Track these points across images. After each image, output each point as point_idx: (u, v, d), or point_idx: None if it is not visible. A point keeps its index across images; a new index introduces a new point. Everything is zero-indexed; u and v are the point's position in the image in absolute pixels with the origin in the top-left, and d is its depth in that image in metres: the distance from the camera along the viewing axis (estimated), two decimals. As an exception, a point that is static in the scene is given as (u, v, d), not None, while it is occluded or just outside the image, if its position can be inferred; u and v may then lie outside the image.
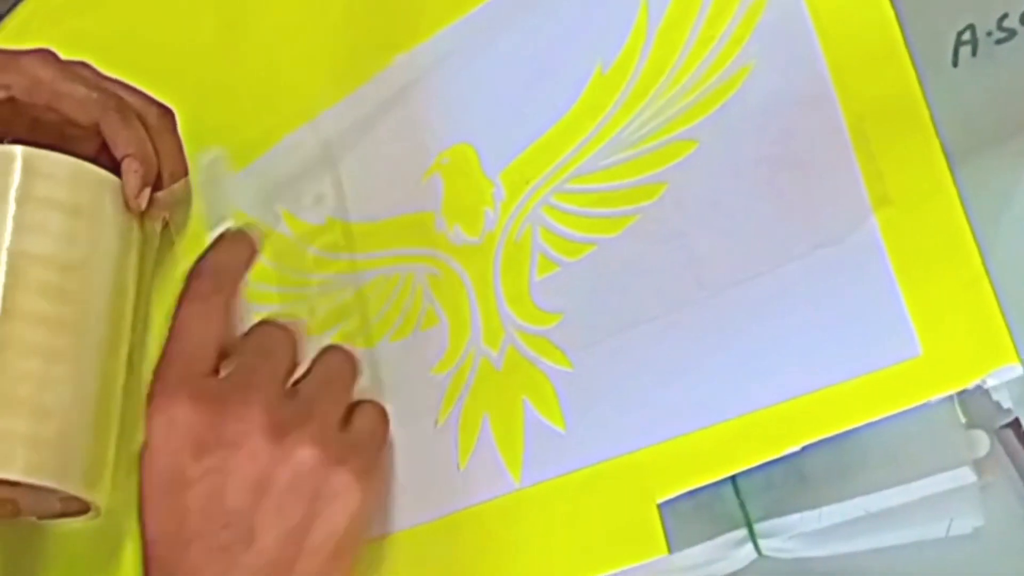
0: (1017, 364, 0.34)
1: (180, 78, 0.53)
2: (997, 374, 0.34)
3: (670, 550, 0.39)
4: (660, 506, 0.39)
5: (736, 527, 0.41)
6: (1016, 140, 0.36)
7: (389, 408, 0.46)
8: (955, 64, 0.37)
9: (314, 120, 0.50)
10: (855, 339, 0.36)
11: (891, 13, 0.37)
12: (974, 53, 0.37)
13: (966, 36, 0.37)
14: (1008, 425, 0.38)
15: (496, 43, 0.46)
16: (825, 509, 0.39)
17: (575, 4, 0.44)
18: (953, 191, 0.35)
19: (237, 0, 0.55)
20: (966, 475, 0.37)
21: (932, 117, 0.36)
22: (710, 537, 0.41)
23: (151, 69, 0.53)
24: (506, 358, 0.44)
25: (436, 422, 0.45)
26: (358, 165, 0.49)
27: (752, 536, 0.41)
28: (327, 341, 0.48)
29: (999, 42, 0.37)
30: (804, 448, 0.37)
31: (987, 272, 0.35)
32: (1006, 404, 0.37)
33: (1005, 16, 0.38)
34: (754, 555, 0.41)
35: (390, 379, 0.47)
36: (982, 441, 0.37)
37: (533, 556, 0.42)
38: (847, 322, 0.37)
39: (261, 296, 0.51)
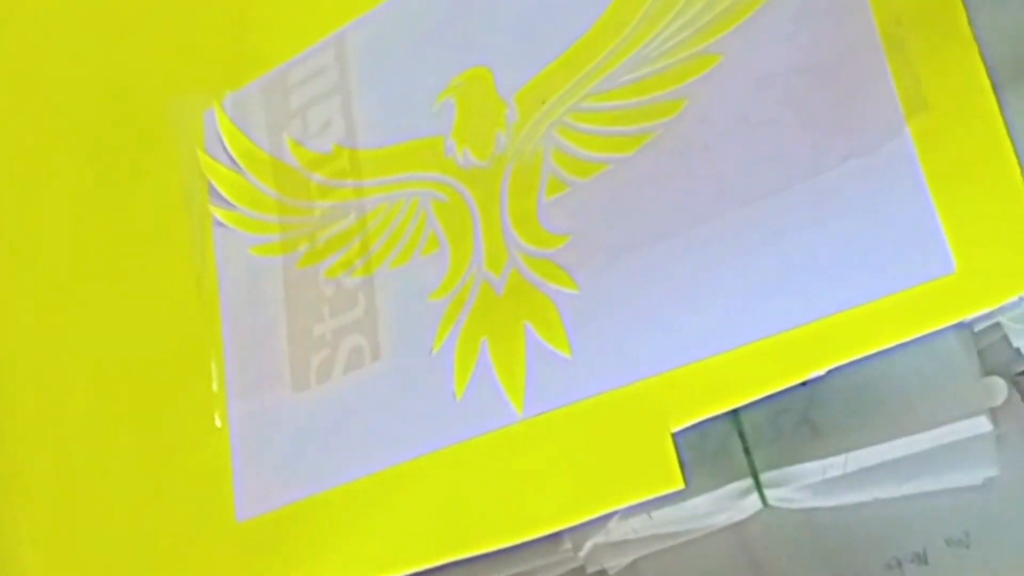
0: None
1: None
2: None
3: (686, 482, 0.34)
4: (675, 436, 0.34)
5: (741, 477, 0.36)
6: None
7: (382, 336, 0.41)
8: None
9: (339, 31, 0.46)
10: (886, 255, 0.32)
11: None
12: None
13: None
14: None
15: None
16: (834, 459, 0.35)
17: None
18: (993, 100, 0.31)
19: None
20: (982, 424, 0.32)
21: (972, 25, 0.32)
22: (714, 488, 0.36)
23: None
24: (508, 282, 0.39)
25: (431, 350, 0.40)
26: (371, 89, 0.44)
27: (758, 486, 0.36)
28: (325, 268, 0.44)
29: None
30: (828, 372, 0.32)
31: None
32: None
33: None
34: (759, 505, 0.36)
35: (386, 306, 0.42)
36: (1000, 388, 0.33)
37: (538, 491, 0.37)
38: (878, 237, 0.32)
39: (261, 226, 0.46)
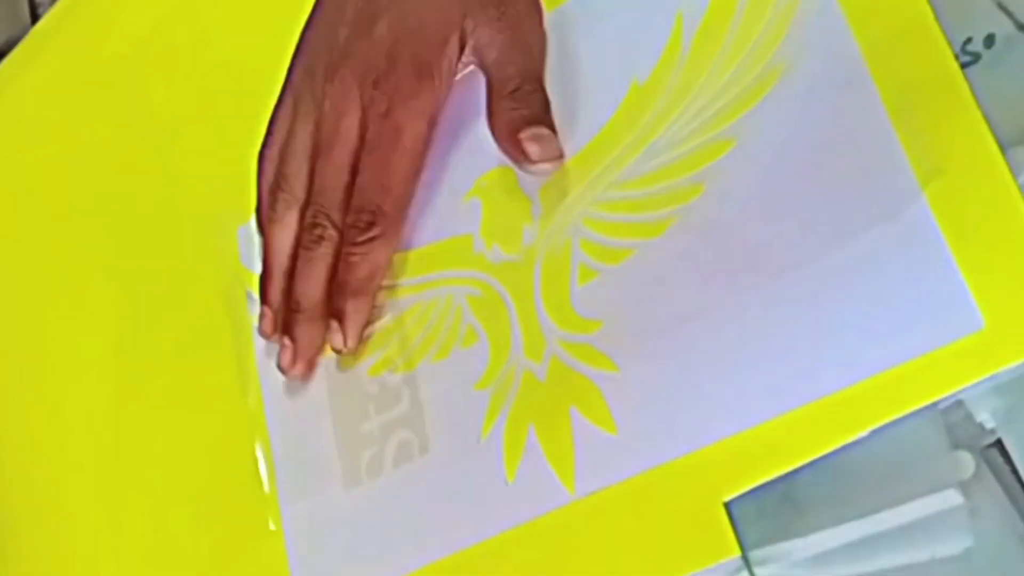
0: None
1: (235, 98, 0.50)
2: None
3: (743, 549, 0.35)
4: (727, 504, 0.35)
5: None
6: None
7: (430, 429, 0.42)
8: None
9: None
10: (916, 317, 0.33)
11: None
12: None
13: None
14: (992, 445, 0.35)
15: None
16: (816, 536, 0.35)
17: (610, 22, 0.42)
18: (1001, 160, 0.33)
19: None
20: (953, 497, 0.33)
21: (972, 88, 0.33)
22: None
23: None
24: (549, 368, 0.40)
25: (479, 438, 0.41)
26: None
27: (747, 563, 0.36)
28: (367, 368, 0.45)
29: (964, 66, 0.35)
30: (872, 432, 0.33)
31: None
32: (989, 425, 0.35)
33: (969, 40, 0.36)
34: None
35: (430, 400, 0.43)
36: (967, 462, 0.34)
37: (596, 568, 0.37)
38: (907, 300, 0.33)
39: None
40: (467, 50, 0.42)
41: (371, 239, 0.43)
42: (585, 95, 0.42)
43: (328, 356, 0.46)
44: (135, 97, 0.58)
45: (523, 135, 0.40)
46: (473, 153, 0.44)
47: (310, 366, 0.45)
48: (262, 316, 0.45)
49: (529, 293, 0.41)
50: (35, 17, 0.80)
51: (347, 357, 0.46)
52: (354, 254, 0.43)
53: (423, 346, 0.44)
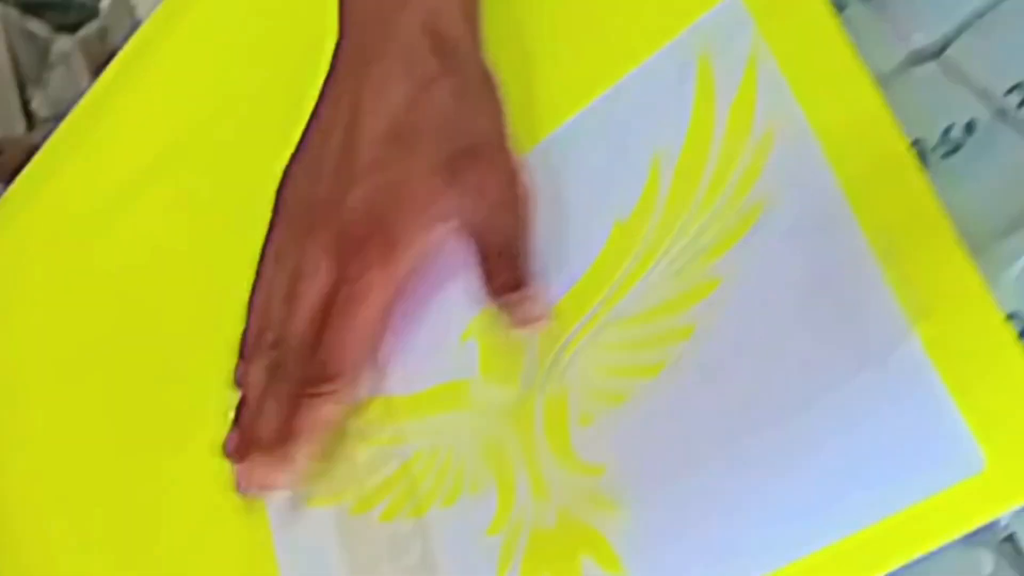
0: (1090, 468, 0.30)
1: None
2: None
3: None
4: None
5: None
6: (983, 254, 0.33)
7: (445, 577, 0.42)
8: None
9: None
10: (918, 461, 0.32)
11: (892, 121, 0.34)
12: (924, 168, 0.34)
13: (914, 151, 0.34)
14: (1007, 539, 0.34)
15: None
16: None
17: (588, 164, 0.41)
18: (988, 295, 0.32)
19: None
20: None
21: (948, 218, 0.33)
22: None
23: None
24: (557, 515, 0.40)
25: (493, 587, 0.40)
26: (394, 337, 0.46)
27: None
28: (376, 515, 0.45)
29: (946, 155, 0.35)
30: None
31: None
32: (1004, 520, 0.33)
33: (950, 128, 0.35)
34: None
35: (442, 549, 0.42)
36: (986, 560, 0.33)
37: None
38: (906, 445, 0.32)
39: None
40: (449, 216, 0.42)
41: (324, 394, 0.44)
42: (570, 236, 0.41)
43: (339, 501, 0.46)
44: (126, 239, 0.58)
45: (508, 300, 0.40)
46: (468, 293, 0.44)
47: (262, 490, 0.47)
48: (228, 438, 0.47)
49: (531, 436, 0.41)
50: (27, 113, 0.81)
51: (358, 503, 0.45)
52: (307, 404, 0.44)
53: (431, 492, 0.43)
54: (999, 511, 0.31)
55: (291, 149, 0.46)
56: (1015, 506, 0.31)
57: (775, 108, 0.36)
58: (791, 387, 0.35)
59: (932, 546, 0.32)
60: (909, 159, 0.34)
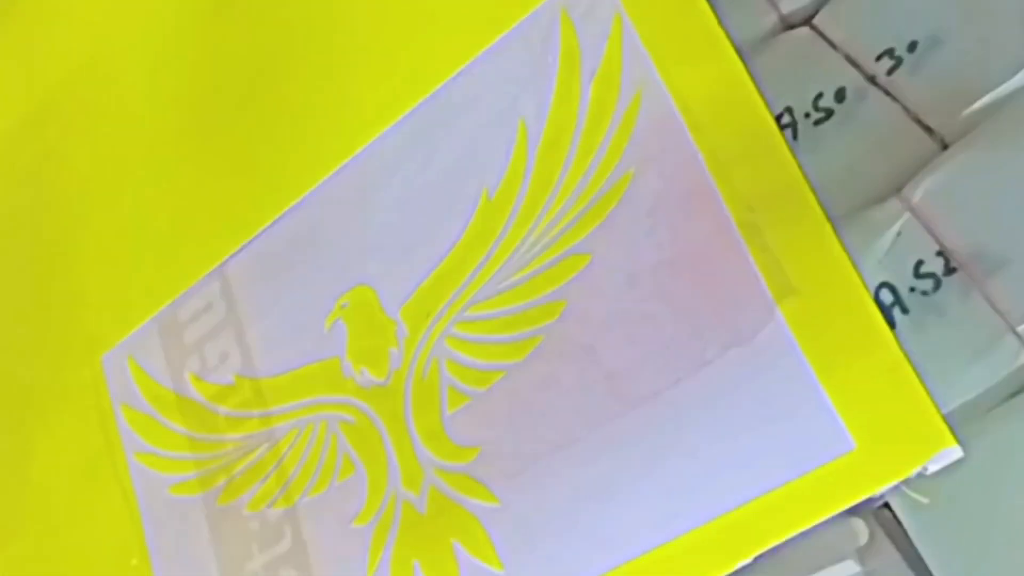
0: (955, 446, 0.29)
1: (88, 221, 0.47)
2: (937, 459, 0.29)
3: None
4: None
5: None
6: (856, 221, 0.32)
7: (315, 567, 0.40)
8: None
9: (219, 264, 0.45)
10: (787, 441, 0.31)
11: (755, 91, 0.33)
12: (795, 136, 0.33)
13: (785, 119, 0.33)
14: (883, 507, 0.33)
15: (386, 183, 0.41)
16: None
17: (457, 136, 0.39)
18: (855, 275, 0.31)
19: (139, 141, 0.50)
20: (850, 567, 0.32)
21: (820, 203, 0.32)
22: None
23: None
24: (428, 500, 0.38)
25: (366, 575, 0.39)
26: (261, 317, 0.44)
27: None
28: (245, 503, 0.43)
29: (817, 123, 0.34)
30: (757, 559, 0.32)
31: (905, 353, 0.30)
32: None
33: (820, 96, 0.34)
34: None
35: (313, 537, 0.41)
36: (861, 529, 0.33)
37: None
38: (775, 424, 0.31)
39: (177, 465, 0.45)
40: None
41: None
42: (438, 211, 0.39)
43: (206, 489, 0.44)
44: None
45: None
46: (330, 271, 0.42)
47: None
48: None
49: (401, 419, 0.39)
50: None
51: (226, 490, 0.43)
52: None
53: (300, 478, 0.42)
54: (871, 490, 0.30)
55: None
56: (887, 485, 0.30)
57: (639, 78, 0.35)
58: (658, 366, 0.33)
59: (806, 525, 0.31)
60: (773, 131, 0.33)
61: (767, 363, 0.32)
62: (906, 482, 0.30)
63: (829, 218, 0.31)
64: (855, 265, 0.31)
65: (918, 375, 0.30)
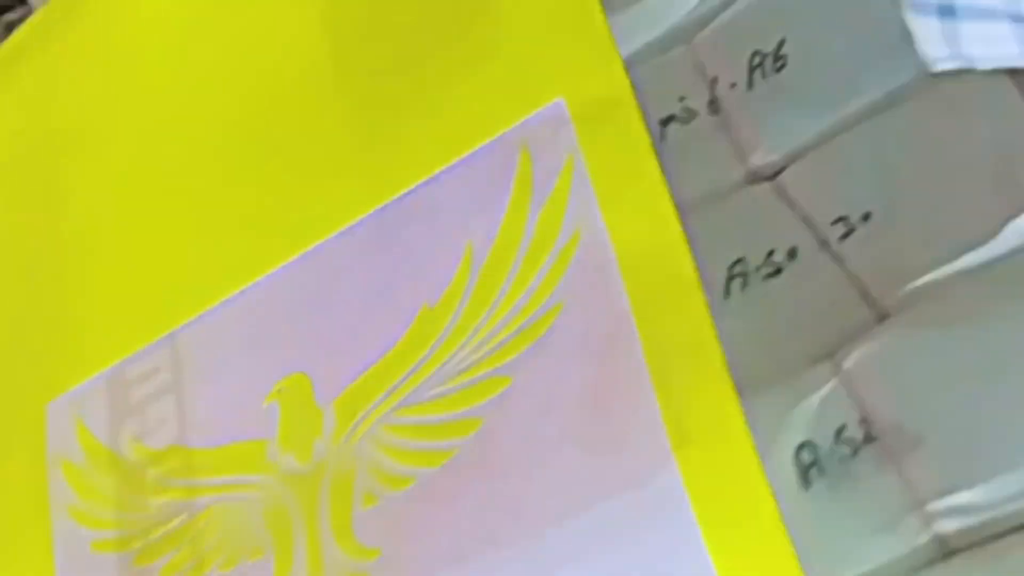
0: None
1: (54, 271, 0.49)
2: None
3: None
4: None
5: None
6: (789, 378, 0.32)
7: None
8: (727, 296, 0.34)
9: (172, 331, 0.46)
10: None
11: (686, 250, 0.34)
12: (744, 286, 0.34)
13: (737, 269, 0.34)
14: None
15: (337, 278, 0.42)
16: None
17: (409, 245, 0.41)
18: (745, 432, 0.32)
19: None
20: None
21: (724, 358, 0.33)
22: None
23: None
24: (328, 595, 0.38)
25: (260, 661, 0.39)
26: (204, 388, 0.45)
27: None
28: (159, 568, 0.43)
29: (767, 277, 0.35)
30: None
31: (781, 517, 0.30)
32: None
33: (772, 252, 0.35)
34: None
35: (216, 613, 0.41)
36: None
37: None
38: (657, 569, 0.32)
39: (97, 521, 0.45)
40: None
41: None
42: (380, 312, 0.41)
43: (123, 550, 0.44)
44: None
45: None
46: (274, 354, 0.43)
47: None
48: None
49: (315, 511, 0.40)
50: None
51: (142, 553, 0.44)
52: None
53: (212, 553, 0.42)
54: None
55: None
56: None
57: (582, 217, 0.36)
58: (559, 497, 0.34)
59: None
60: (695, 289, 0.34)
61: (658, 509, 0.32)
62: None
63: (735, 380, 0.32)
64: (749, 428, 0.32)
65: (794, 547, 0.30)
